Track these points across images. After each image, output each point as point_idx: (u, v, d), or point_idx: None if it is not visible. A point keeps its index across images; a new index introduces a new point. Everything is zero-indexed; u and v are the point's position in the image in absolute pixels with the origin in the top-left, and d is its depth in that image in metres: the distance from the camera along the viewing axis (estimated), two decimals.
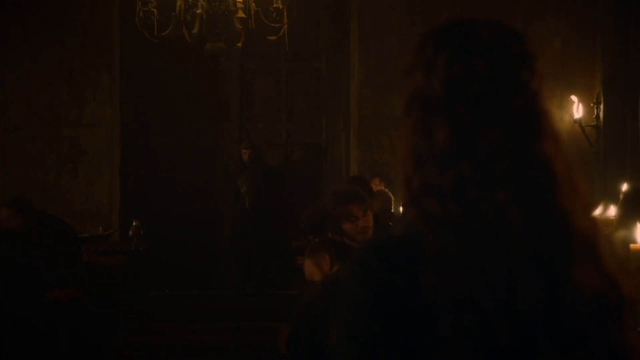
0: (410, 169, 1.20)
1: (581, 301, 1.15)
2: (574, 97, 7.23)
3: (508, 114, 1.18)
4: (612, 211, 4.24)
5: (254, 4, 5.54)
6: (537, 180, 1.17)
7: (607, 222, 4.04)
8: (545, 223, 1.16)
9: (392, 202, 6.10)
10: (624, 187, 5.78)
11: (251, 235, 8.39)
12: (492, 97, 1.17)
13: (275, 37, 5.67)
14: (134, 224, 7.06)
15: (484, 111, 1.17)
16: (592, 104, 7.52)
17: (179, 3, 5.45)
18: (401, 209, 6.04)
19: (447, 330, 1.11)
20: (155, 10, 5.47)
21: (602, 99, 7.46)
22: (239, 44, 5.61)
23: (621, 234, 3.48)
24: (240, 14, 5.39)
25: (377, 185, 6.46)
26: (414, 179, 1.19)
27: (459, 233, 1.14)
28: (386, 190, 6.04)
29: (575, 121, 7.24)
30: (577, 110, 7.26)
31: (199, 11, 5.35)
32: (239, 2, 5.39)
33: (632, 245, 3.31)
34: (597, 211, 4.27)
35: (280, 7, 5.52)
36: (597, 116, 7.49)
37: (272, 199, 8.44)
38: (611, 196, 5.23)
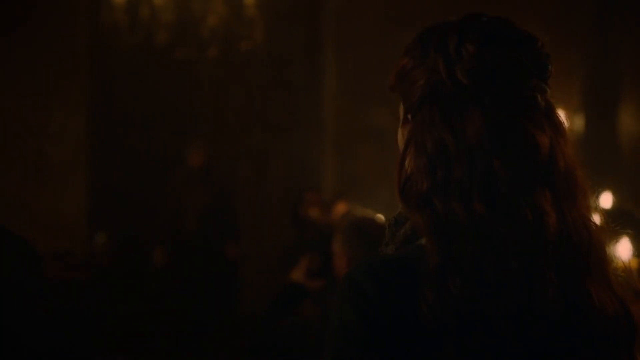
0: (421, 169, 1.09)
1: (597, 322, 1.08)
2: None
3: (535, 109, 1.12)
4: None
5: (226, 12, 5.46)
6: (564, 185, 1.09)
7: None
8: (572, 233, 1.07)
9: None
10: (602, 197, 5.76)
11: (191, 262, 7.14)
12: (520, 89, 1.11)
13: (248, 46, 5.61)
14: (100, 237, 6.95)
15: (512, 104, 1.10)
16: (570, 115, 7.54)
17: (145, 11, 5.35)
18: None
19: (450, 350, 1.03)
20: (124, 17, 5.39)
21: (581, 109, 7.50)
22: (212, 52, 5.53)
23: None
24: (212, 22, 5.31)
25: (344, 208, 5.96)
26: (421, 181, 1.08)
27: (478, 238, 1.03)
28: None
29: None
30: None
31: (166, 19, 5.26)
32: (210, 10, 5.31)
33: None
34: None
35: (255, 15, 5.46)
36: (576, 127, 7.52)
37: (219, 219, 7.18)
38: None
